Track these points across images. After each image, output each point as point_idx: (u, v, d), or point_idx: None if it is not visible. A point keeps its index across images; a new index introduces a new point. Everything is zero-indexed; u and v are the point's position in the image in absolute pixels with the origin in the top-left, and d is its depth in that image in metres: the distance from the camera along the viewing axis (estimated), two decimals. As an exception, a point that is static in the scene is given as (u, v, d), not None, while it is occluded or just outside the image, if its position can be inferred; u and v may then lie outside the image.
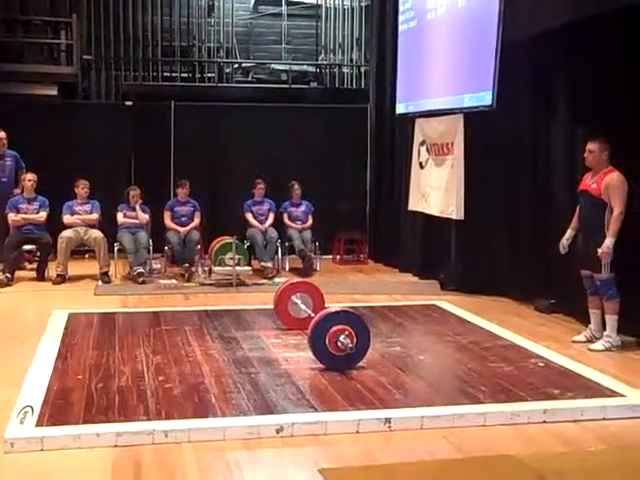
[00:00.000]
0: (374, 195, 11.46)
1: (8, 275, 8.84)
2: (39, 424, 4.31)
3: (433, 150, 9.25)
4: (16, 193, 9.64)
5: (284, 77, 12.44)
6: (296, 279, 7.78)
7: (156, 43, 12.10)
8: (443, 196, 8.88)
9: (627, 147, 6.26)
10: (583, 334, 6.45)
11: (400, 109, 10.08)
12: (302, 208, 10.52)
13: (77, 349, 5.99)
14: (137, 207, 9.66)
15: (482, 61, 7.85)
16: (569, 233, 6.51)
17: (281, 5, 12.43)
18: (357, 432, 4.41)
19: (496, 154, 8.23)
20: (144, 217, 9.66)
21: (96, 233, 9.30)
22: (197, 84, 12.18)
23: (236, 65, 12.48)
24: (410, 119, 9.87)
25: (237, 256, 8.94)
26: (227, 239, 9.18)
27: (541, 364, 5.70)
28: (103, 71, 11.88)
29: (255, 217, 10.21)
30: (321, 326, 5.39)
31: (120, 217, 9.62)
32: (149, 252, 9.53)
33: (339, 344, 5.32)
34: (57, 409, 4.57)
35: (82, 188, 9.51)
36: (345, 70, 12.82)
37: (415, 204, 9.71)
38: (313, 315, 5.93)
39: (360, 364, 5.46)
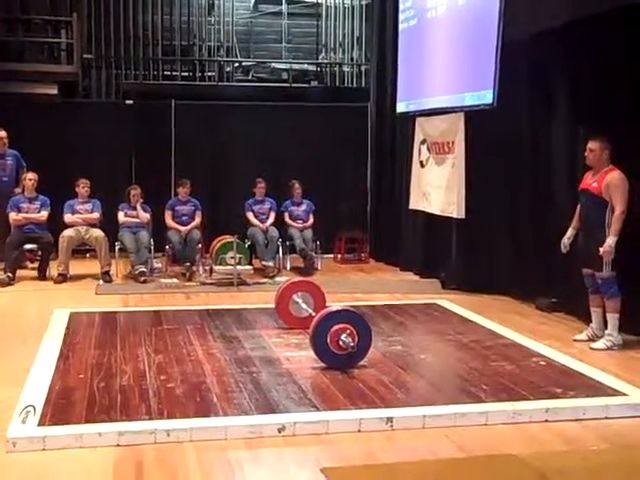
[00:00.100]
0: (375, 194, 11.45)
1: (9, 274, 8.84)
2: (41, 424, 4.31)
3: (434, 149, 9.24)
4: (17, 192, 9.64)
5: (284, 76, 12.44)
6: (297, 278, 7.79)
7: (156, 42, 12.09)
8: (444, 195, 8.88)
9: (628, 146, 6.26)
10: (585, 333, 6.45)
11: (401, 108, 10.08)
12: (303, 207, 10.52)
13: (79, 348, 5.99)
14: (138, 206, 9.66)
15: (483, 59, 7.85)
16: (570, 232, 6.51)
17: (281, 4, 12.42)
18: (359, 431, 4.41)
19: (497, 153, 8.23)
20: (145, 216, 9.66)
21: (97, 232, 9.30)
22: (197, 83, 12.18)
23: (236, 64, 12.47)
24: (411, 118, 9.87)
25: (238, 255, 8.95)
26: (228, 238, 9.18)
27: (543, 363, 5.70)
28: (103, 70, 11.88)
29: (256, 216, 10.20)
30: (322, 325, 5.39)
31: (121, 216, 9.62)
32: (150, 251, 9.53)
33: (340, 343, 5.32)
34: (59, 408, 4.57)
35: (83, 187, 9.51)
36: (345, 69, 12.82)
37: (416, 203, 9.71)
38: (314, 314, 5.93)
39: (361, 363, 5.46)
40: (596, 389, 5.08)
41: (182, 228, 9.79)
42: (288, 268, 10.12)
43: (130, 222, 9.61)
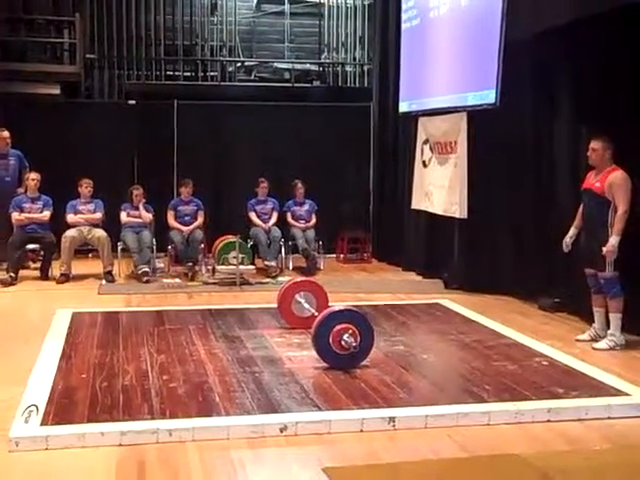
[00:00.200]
0: (377, 194, 11.46)
1: (12, 274, 8.85)
2: (44, 423, 4.31)
3: (436, 149, 9.24)
4: (20, 192, 9.65)
5: (287, 76, 12.44)
6: (300, 278, 7.79)
7: (159, 42, 12.10)
8: (446, 195, 8.88)
9: (630, 145, 6.26)
10: (587, 333, 6.45)
11: (403, 107, 10.07)
12: (305, 207, 10.52)
13: (81, 348, 6.00)
14: (140, 206, 9.67)
15: (485, 59, 7.85)
16: (572, 231, 6.50)
17: (284, 4, 12.42)
18: (361, 431, 4.41)
19: (499, 153, 8.22)
20: (147, 216, 9.67)
21: (100, 232, 9.31)
22: (200, 83, 12.18)
23: (239, 64, 12.47)
24: (413, 117, 9.87)
25: (241, 255, 8.95)
26: (231, 238, 9.19)
27: (545, 363, 5.70)
28: (106, 70, 11.89)
29: (259, 216, 10.20)
30: (325, 325, 5.39)
31: (123, 216, 9.63)
32: (153, 251, 9.53)
33: (343, 343, 5.32)
34: (61, 408, 4.58)
35: (85, 187, 9.52)
36: (348, 69, 12.81)
37: (418, 203, 9.71)
38: (317, 314, 5.93)
39: (364, 363, 5.46)
40: (599, 389, 5.07)
41: (184, 228, 9.80)
42: (290, 268, 10.13)
43: (133, 222, 9.61)
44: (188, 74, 12.26)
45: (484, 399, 4.84)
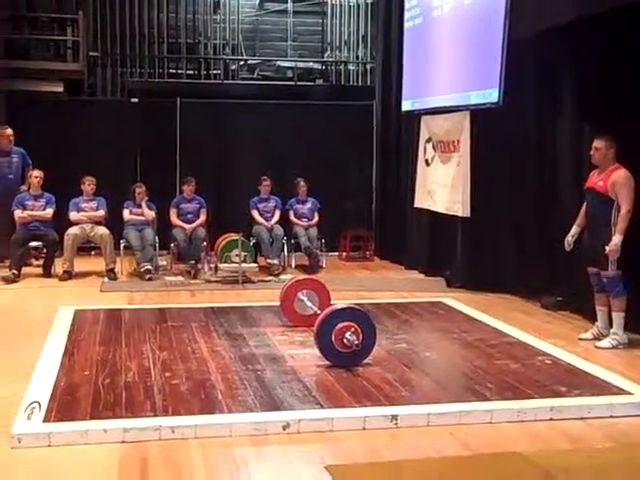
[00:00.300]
0: (380, 192, 11.45)
1: (15, 272, 8.86)
2: (46, 420, 4.32)
3: (439, 147, 9.24)
4: (23, 190, 9.66)
5: (290, 74, 12.42)
6: (302, 276, 7.80)
7: (162, 40, 12.09)
8: (449, 193, 8.88)
9: (633, 144, 6.24)
10: (590, 332, 6.44)
11: (406, 106, 10.07)
12: (308, 205, 10.52)
13: (84, 345, 6.00)
14: (143, 204, 9.68)
15: (488, 58, 7.84)
16: (574, 230, 6.50)
17: (287, 2, 12.40)
18: (363, 429, 4.41)
19: (502, 151, 8.21)
20: (150, 214, 9.68)
21: (102, 230, 9.32)
22: (203, 81, 12.16)
23: (242, 62, 12.45)
24: (416, 116, 9.87)
25: (243, 253, 8.95)
26: (233, 236, 9.19)
27: (548, 362, 5.70)
28: (109, 68, 11.88)
29: (261, 214, 10.21)
30: (327, 323, 5.39)
31: (126, 214, 9.64)
32: (155, 249, 9.54)
33: (345, 341, 5.32)
34: (64, 405, 4.58)
35: (88, 185, 9.53)
36: (351, 67, 12.79)
37: (421, 201, 9.71)
38: (319, 312, 5.93)
39: (366, 361, 5.46)
40: (601, 388, 5.07)
41: (187, 226, 9.80)
42: (293, 266, 10.13)
43: (135, 220, 9.62)
44: (191, 72, 12.25)
45: (486, 397, 4.84)
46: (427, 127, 9.58)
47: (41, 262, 9.49)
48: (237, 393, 4.83)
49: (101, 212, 9.52)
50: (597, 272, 6.26)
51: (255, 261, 9.41)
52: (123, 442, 4.13)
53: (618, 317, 6.16)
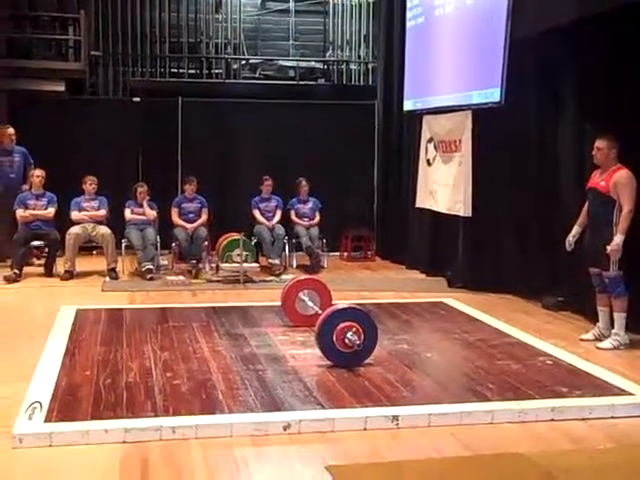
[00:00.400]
0: (381, 192, 11.45)
1: (16, 271, 8.86)
2: (47, 420, 4.32)
3: (441, 147, 9.23)
4: (24, 189, 9.67)
5: (291, 73, 12.42)
6: (303, 276, 7.79)
7: (164, 39, 12.09)
8: (451, 193, 8.87)
9: (636, 144, 6.23)
10: (591, 332, 6.44)
11: (408, 106, 10.06)
12: (309, 205, 10.52)
13: (85, 345, 6.00)
14: (144, 203, 9.68)
15: (490, 58, 7.83)
16: (575, 230, 6.50)
17: (289, 1, 12.40)
18: (364, 429, 4.41)
19: (504, 151, 8.21)
20: (151, 213, 9.68)
21: (104, 229, 9.33)
22: (204, 80, 12.17)
23: (244, 61, 12.45)
24: (418, 116, 9.86)
25: (244, 253, 8.95)
26: (234, 236, 9.19)
27: (549, 362, 5.69)
28: (111, 67, 11.88)
29: (262, 214, 10.21)
30: (328, 323, 5.39)
31: (127, 213, 9.65)
32: (157, 248, 9.55)
33: (346, 341, 5.32)
34: (65, 405, 4.58)
35: (90, 184, 9.53)
36: (353, 67, 12.79)
37: (423, 201, 9.70)
38: (320, 312, 5.93)
39: (367, 361, 5.46)
40: (602, 388, 5.07)
41: (188, 225, 9.80)
42: (294, 266, 10.13)
43: (136, 219, 9.63)
44: (193, 71, 12.25)
45: (488, 398, 4.83)
46: (429, 127, 9.57)
47: (43, 261, 9.50)
48: (238, 393, 4.83)
49: (103, 211, 9.52)
50: (599, 272, 6.25)
51: (256, 261, 9.41)
52: (124, 442, 4.13)
53: (619, 318, 6.16)
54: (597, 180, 6.29)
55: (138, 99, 11.44)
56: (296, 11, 12.46)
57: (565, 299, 7.48)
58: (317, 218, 10.46)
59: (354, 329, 5.33)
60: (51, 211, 9.35)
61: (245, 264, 8.94)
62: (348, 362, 5.36)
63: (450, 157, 8.97)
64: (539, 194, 7.91)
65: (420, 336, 6.56)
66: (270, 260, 9.75)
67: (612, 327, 6.24)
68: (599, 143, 6.23)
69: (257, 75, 12.42)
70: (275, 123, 11.37)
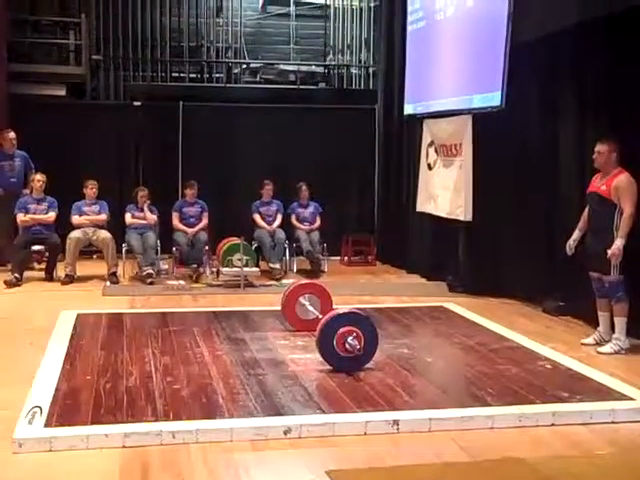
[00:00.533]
0: (382, 196, 11.46)
1: (17, 275, 8.86)
2: (48, 424, 4.32)
3: (441, 151, 9.23)
4: (25, 194, 9.67)
5: (292, 78, 12.43)
6: (304, 280, 7.78)
7: (164, 43, 12.10)
8: (451, 197, 8.87)
9: (636, 148, 6.24)
10: (592, 337, 6.43)
11: (408, 110, 10.07)
12: (310, 209, 10.52)
13: (85, 349, 6.00)
14: (145, 208, 9.68)
15: (491, 62, 7.84)
16: (576, 234, 6.49)
17: (289, 5, 12.42)
18: (365, 434, 4.40)
19: (504, 155, 8.21)
20: (152, 218, 9.68)
21: (104, 234, 9.32)
22: (205, 84, 12.18)
23: (244, 65, 12.47)
24: (418, 120, 9.87)
25: (245, 257, 8.95)
26: (235, 240, 9.18)
27: (549, 366, 5.69)
28: (112, 71, 11.89)
29: (263, 218, 10.21)
30: (329, 327, 5.38)
31: (128, 218, 9.65)
32: (157, 253, 9.55)
33: (347, 346, 5.32)
34: (65, 409, 4.58)
35: (91, 189, 9.53)
36: (353, 71, 12.80)
37: (423, 205, 9.70)
38: (321, 317, 5.92)
39: (368, 366, 5.46)
40: (603, 393, 5.06)
41: (189, 230, 9.81)
42: (295, 270, 10.13)
43: (137, 223, 9.63)
44: (193, 75, 12.26)
45: (488, 403, 4.83)
46: (429, 131, 9.58)
47: (43, 266, 9.50)
48: (238, 398, 4.83)
49: (103, 216, 9.52)
50: (599, 277, 6.25)
51: (257, 265, 9.41)
52: (124, 447, 4.13)
53: (620, 322, 6.15)
54: (598, 184, 6.29)
55: (139, 103, 11.45)
56: (297, 15, 12.47)
57: (566, 303, 7.47)
58: (318, 222, 10.46)
59: (354, 334, 5.33)
60: (52, 215, 9.35)
61: (246, 268, 8.94)
62: (348, 367, 5.36)
63: (451, 161, 8.97)
64: (540, 198, 7.91)
65: (421, 341, 6.55)
66: (271, 264, 9.75)
67: (613, 332, 6.23)
68: (600, 147, 6.24)
69: (258, 79, 12.44)
70: (276, 127, 11.38)
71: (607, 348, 6.18)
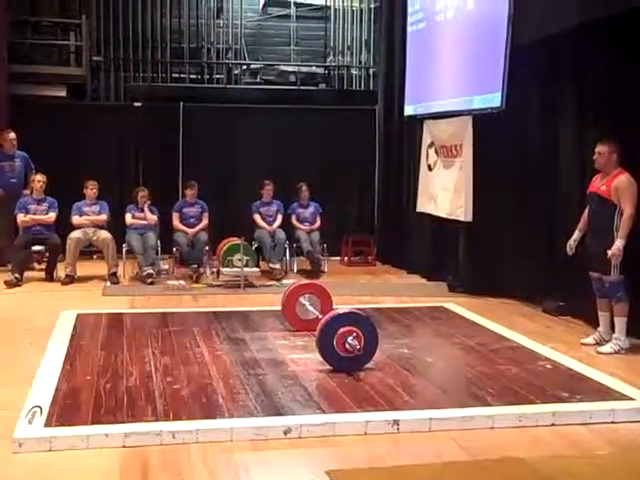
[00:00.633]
0: (382, 197, 11.46)
1: (17, 276, 8.86)
2: (48, 424, 4.32)
3: (442, 152, 9.24)
4: (25, 194, 9.67)
5: (292, 79, 12.44)
6: (304, 280, 7.79)
7: (165, 44, 12.11)
8: (451, 198, 8.87)
9: (637, 149, 6.24)
10: (592, 336, 6.43)
11: (409, 111, 10.08)
12: (310, 209, 10.52)
13: (85, 349, 6.00)
14: (145, 208, 9.69)
15: (491, 62, 7.84)
16: (576, 234, 6.50)
17: (289, 7, 12.42)
18: (365, 434, 4.40)
19: (505, 156, 8.21)
20: (152, 218, 9.69)
21: (104, 234, 9.33)
22: (206, 85, 12.19)
23: (245, 66, 12.47)
24: (419, 121, 9.88)
25: (245, 257, 8.95)
26: (235, 240, 9.18)
27: (549, 366, 5.69)
28: (112, 72, 11.90)
29: (263, 218, 10.21)
30: (329, 327, 5.39)
31: (128, 218, 9.65)
32: (157, 253, 9.55)
33: (347, 346, 5.32)
34: (66, 409, 4.58)
35: (91, 189, 9.53)
36: (354, 72, 12.80)
37: (423, 206, 9.71)
38: (321, 317, 5.92)
39: (368, 366, 5.46)
40: (603, 393, 5.06)
41: (189, 230, 9.81)
42: (295, 270, 10.13)
43: (137, 224, 9.63)
44: (194, 76, 12.27)
45: (488, 402, 4.83)
46: (430, 132, 9.58)
47: (43, 266, 9.50)
48: (238, 398, 4.83)
49: (103, 216, 9.52)
50: (599, 277, 6.25)
51: (257, 265, 9.41)
52: (124, 447, 4.13)
53: (620, 322, 6.15)
54: (598, 185, 6.29)
55: (139, 104, 11.45)
56: (297, 16, 12.48)
57: (566, 303, 7.47)
58: (318, 223, 10.46)
59: (355, 334, 5.33)
60: (52, 216, 9.36)
61: (246, 269, 8.94)
62: (349, 367, 5.36)
63: (451, 162, 8.97)
64: (540, 199, 7.91)
65: (421, 341, 6.56)
66: (271, 265, 9.75)
67: (613, 331, 6.23)
68: (600, 148, 6.24)
69: (258, 80, 12.44)
70: (276, 128, 11.39)
71: (607, 348, 6.18)
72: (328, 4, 12.62)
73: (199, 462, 3.99)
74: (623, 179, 6.13)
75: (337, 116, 11.72)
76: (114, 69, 11.92)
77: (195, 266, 9.48)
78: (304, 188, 10.51)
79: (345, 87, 12.68)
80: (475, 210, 8.45)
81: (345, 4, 12.72)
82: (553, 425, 4.58)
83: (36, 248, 9.43)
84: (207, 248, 9.73)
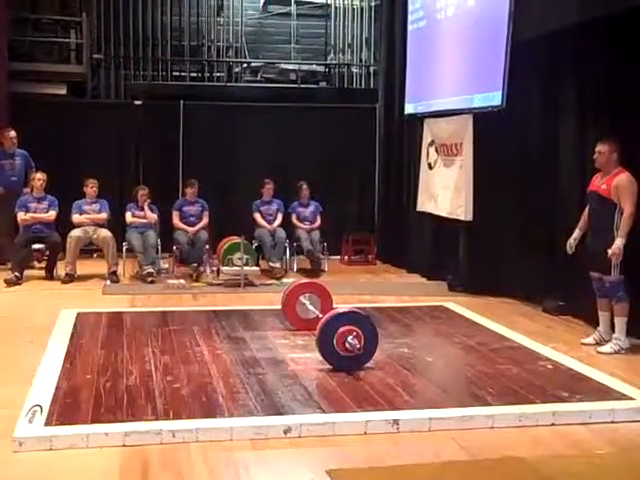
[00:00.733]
0: (382, 196, 11.46)
1: (17, 274, 8.86)
2: (48, 423, 4.32)
3: (442, 151, 9.23)
4: (25, 192, 9.67)
5: (293, 77, 12.44)
6: (304, 280, 7.79)
7: (165, 42, 12.11)
8: (452, 197, 8.87)
9: (636, 148, 6.24)
10: (592, 336, 6.43)
11: (409, 109, 10.07)
12: (310, 208, 10.52)
13: (85, 348, 6.00)
14: (145, 206, 9.69)
15: (492, 61, 7.84)
16: (576, 233, 6.50)
17: (290, 5, 12.42)
18: (365, 433, 4.40)
19: (505, 155, 8.21)
20: (152, 217, 9.68)
21: (105, 232, 9.33)
22: (206, 83, 12.20)
23: (245, 65, 12.47)
24: (419, 119, 9.87)
25: (245, 256, 8.95)
26: (235, 239, 9.18)
27: (549, 366, 5.69)
28: (112, 70, 11.90)
29: (263, 217, 10.21)
30: (329, 327, 5.38)
31: (128, 216, 9.65)
32: (157, 252, 9.55)
33: (347, 345, 5.32)
34: (66, 408, 4.58)
35: (91, 187, 9.53)
36: (354, 70, 12.80)
37: (424, 205, 9.70)
38: (321, 316, 5.92)
39: (368, 365, 5.46)
40: (603, 393, 5.06)
41: (189, 229, 9.81)
42: (295, 269, 10.13)
43: (137, 222, 9.63)
44: (194, 74, 12.28)
45: (488, 402, 4.83)
46: (430, 130, 9.58)
47: (43, 264, 9.50)
48: (238, 397, 4.83)
49: (104, 214, 9.52)
50: (599, 276, 6.25)
51: (257, 264, 9.41)
52: (124, 446, 4.13)
53: (620, 322, 6.15)
54: (598, 183, 6.29)
55: (140, 102, 11.45)
56: (298, 14, 12.47)
57: (566, 303, 7.47)
58: (318, 222, 10.46)
59: (355, 333, 5.33)
60: (52, 214, 9.35)
61: (246, 267, 8.94)
62: (348, 366, 5.36)
63: (451, 161, 8.97)
64: (540, 198, 7.91)
65: (421, 340, 6.56)
66: (271, 263, 9.75)
67: (613, 331, 6.23)
68: (600, 147, 6.24)
69: (258, 78, 12.44)
70: (276, 126, 11.38)
71: (607, 348, 6.18)
72: (329, 2, 12.63)
73: (199, 461, 3.99)
74: (623, 178, 6.12)
75: (337, 114, 11.72)
76: (114, 67, 11.92)
77: (195, 265, 9.48)
78: (304, 187, 10.51)
79: (345, 85, 12.68)
80: (475, 209, 8.45)
81: (346, 2, 12.72)
82: (553, 425, 4.58)
83: (36, 246, 9.44)
84: (207, 247, 9.73)
